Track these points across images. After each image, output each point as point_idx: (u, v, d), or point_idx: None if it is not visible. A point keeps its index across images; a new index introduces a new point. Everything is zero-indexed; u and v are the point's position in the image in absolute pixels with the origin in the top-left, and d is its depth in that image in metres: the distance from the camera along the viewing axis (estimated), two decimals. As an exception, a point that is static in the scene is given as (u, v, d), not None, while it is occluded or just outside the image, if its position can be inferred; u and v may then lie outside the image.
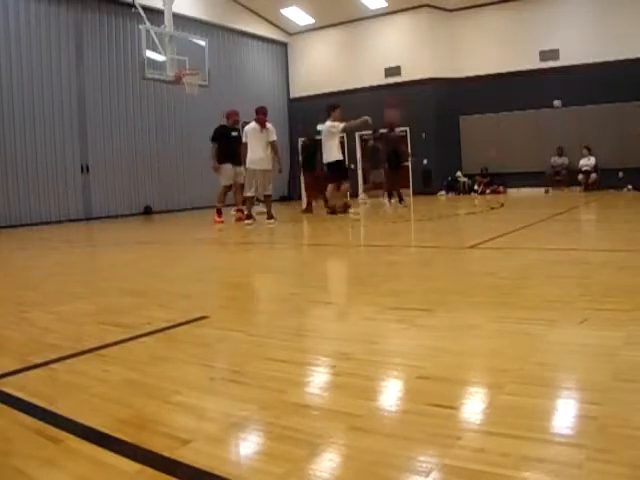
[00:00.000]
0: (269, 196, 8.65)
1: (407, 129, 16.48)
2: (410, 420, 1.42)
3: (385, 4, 16.21)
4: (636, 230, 5.94)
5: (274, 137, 8.41)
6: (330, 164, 9.18)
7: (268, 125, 8.37)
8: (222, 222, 8.99)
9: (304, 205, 10.90)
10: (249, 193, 8.56)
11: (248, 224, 8.35)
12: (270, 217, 8.49)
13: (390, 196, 11.67)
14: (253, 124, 8.38)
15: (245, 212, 8.76)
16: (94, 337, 2.39)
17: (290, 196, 18.33)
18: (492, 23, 15.60)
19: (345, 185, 9.47)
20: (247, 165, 8.38)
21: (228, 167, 8.95)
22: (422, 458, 1.21)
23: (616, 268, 3.48)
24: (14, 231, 10.59)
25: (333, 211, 9.24)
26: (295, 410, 1.51)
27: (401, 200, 11.25)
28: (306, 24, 17.71)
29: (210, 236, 7.66)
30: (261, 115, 8.35)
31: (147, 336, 2.37)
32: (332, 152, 9.09)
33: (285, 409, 1.52)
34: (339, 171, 9.24)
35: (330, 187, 9.34)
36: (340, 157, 9.22)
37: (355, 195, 14.26)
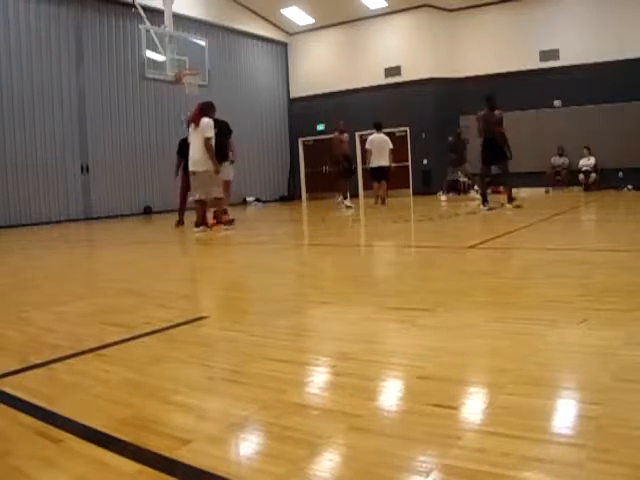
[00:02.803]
0: (217, 199, 7.39)
1: (407, 129, 16.49)
2: (410, 420, 1.42)
3: (385, 4, 16.21)
4: (636, 230, 5.94)
5: (208, 134, 7.02)
6: (381, 167, 11.65)
7: (203, 121, 7.08)
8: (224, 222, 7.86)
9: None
10: (192, 197, 7.54)
11: (196, 231, 7.22)
12: (198, 225, 7.28)
13: (485, 198, 9.12)
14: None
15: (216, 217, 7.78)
16: (94, 337, 2.39)
17: (290, 196, 18.34)
18: (492, 23, 15.61)
19: (384, 185, 11.94)
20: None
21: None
22: (422, 458, 1.21)
23: (616, 268, 3.47)
24: (14, 231, 10.59)
25: (383, 202, 11.77)
26: (295, 410, 1.51)
27: (511, 200, 8.98)
28: (306, 24, 17.72)
29: (210, 236, 7.66)
30: (195, 112, 7.22)
31: (147, 336, 2.37)
32: (385, 158, 11.66)
33: (285, 409, 1.52)
34: (386, 173, 11.80)
35: (384, 185, 11.89)
36: (388, 164, 11.74)
37: (355, 195, 14.16)
